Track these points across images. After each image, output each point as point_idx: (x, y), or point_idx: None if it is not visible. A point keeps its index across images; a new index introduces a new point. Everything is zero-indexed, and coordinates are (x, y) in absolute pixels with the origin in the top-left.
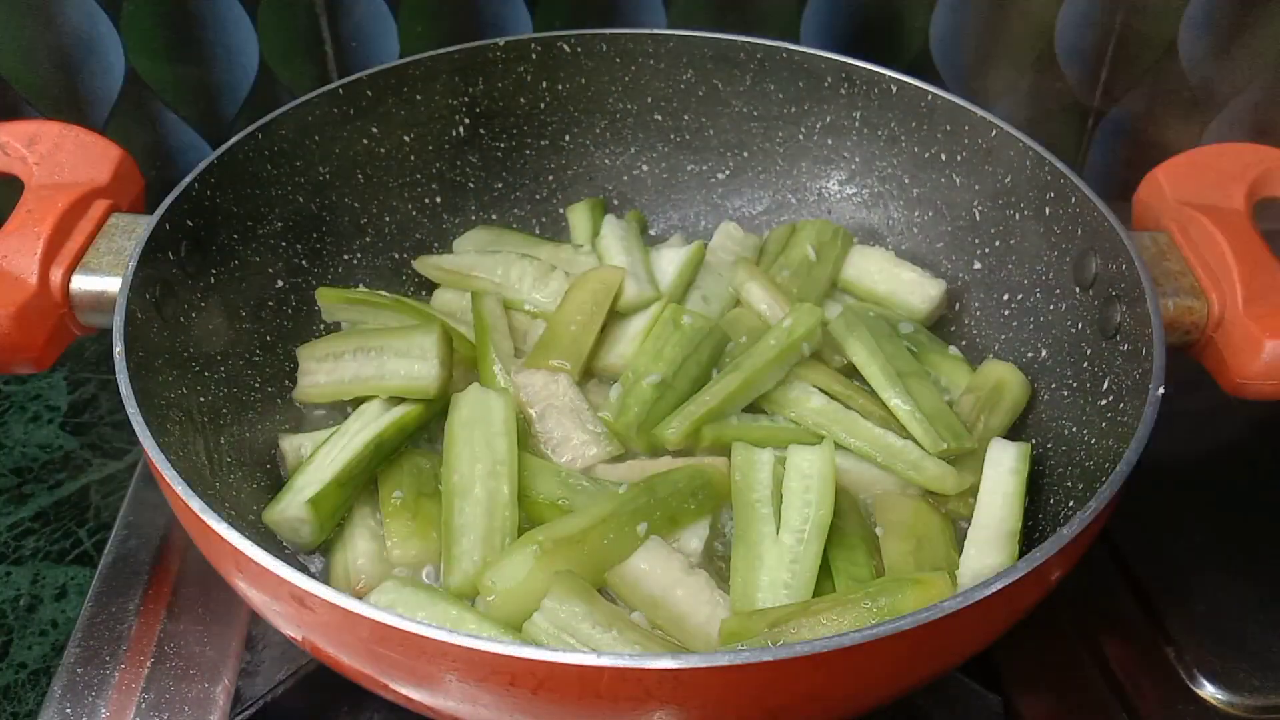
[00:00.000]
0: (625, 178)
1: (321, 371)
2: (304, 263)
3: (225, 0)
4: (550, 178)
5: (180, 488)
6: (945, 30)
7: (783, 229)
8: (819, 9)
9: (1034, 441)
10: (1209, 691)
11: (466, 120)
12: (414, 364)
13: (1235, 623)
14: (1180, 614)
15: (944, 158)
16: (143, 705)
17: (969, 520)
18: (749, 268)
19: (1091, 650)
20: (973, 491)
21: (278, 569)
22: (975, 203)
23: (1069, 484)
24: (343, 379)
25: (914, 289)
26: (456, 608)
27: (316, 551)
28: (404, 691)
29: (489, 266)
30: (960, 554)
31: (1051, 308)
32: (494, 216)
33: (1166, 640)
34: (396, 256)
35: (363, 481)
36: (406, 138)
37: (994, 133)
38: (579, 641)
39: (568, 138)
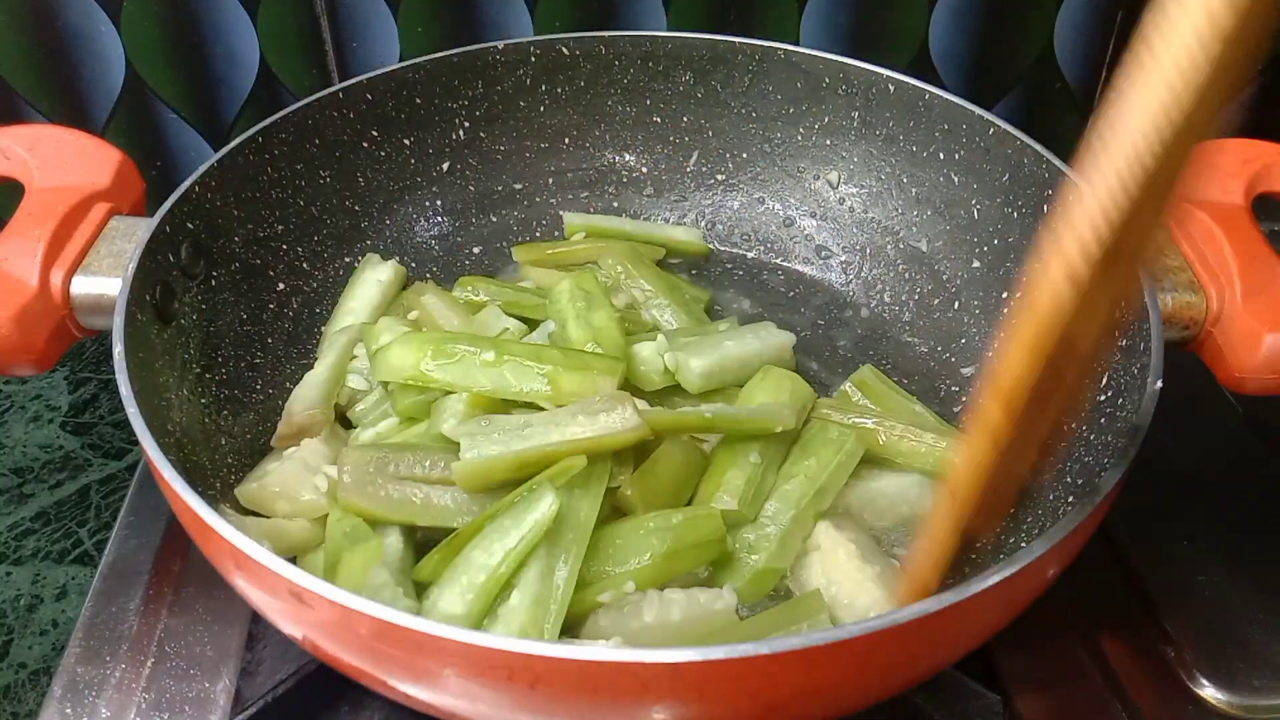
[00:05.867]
0: (625, 179)
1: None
2: (304, 265)
3: (225, 0)
4: (550, 180)
5: (180, 487)
6: (944, 30)
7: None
8: (818, 10)
9: None
10: (1209, 691)
11: (466, 123)
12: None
13: (1235, 623)
14: (1180, 614)
15: (942, 156)
16: (143, 705)
17: None
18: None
19: (1091, 650)
20: None
21: (277, 567)
22: (974, 201)
23: (1069, 480)
24: None
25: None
26: None
27: None
28: (404, 689)
29: None
30: None
31: None
32: (493, 219)
33: (1166, 640)
34: (396, 260)
35: None
36: (406, 141)
37: (992, 131)
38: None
39: (567, 140)
